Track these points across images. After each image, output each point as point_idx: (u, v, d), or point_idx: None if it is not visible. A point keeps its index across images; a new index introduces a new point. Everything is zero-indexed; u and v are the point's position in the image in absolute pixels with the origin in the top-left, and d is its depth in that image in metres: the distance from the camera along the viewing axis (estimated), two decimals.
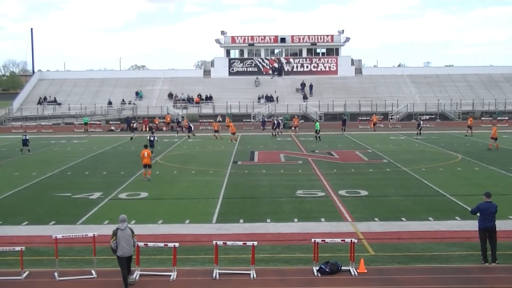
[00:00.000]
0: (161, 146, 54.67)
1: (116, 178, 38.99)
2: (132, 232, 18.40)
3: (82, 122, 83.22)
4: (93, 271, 19.63)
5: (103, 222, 26.94)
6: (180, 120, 79.41)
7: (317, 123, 65.07)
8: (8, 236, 24.71)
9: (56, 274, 19.36)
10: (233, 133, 64.43)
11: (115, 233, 18.27)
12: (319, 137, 63.04)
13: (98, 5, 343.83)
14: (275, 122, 71.28)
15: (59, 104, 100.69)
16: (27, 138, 53.72)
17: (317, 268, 19.45)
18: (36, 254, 21.98)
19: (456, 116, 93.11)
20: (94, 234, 20.14)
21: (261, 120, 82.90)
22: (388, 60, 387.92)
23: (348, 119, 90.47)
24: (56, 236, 19.93)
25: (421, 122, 69.99)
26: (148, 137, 50.46)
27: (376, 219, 26.95)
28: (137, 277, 18.79)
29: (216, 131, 66.95)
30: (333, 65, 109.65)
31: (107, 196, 33.07)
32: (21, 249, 19.48)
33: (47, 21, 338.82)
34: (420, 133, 66.53)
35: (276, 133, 70.27)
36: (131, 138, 65.41)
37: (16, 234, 25.09)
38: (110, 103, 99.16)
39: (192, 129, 69.90)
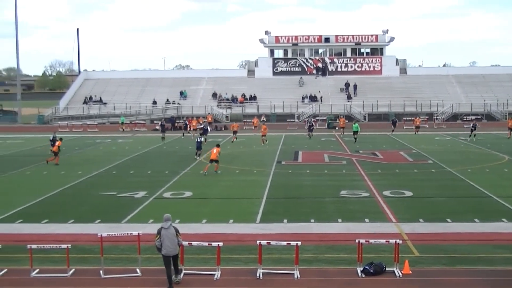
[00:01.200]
0: (204, 145, 54.76)
1: (161, 177, 39.23)
2: (177, 231, 18.47)
3: (119, 122, 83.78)
4: (137, 270, 19.77)
5: (147, 221, 27.13)
6: (186, 122, 76.27)
7: (356, 124, 63.33)
8: (55, 234, 25.00)
9: (101, 272, 19.55)
10: (264, 135, 61.60)
11: (159, 232, 18.40)
12: (355, 138, 61.61)
13: (142, 5, 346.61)
14: (309, 123, 69.59)
15: (105, 103, 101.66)
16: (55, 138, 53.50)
17: (361, 269, 19.37)
18: (82, 252, 22.21)
19: (502, 117, 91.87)
20: (138, 233, 20.27)
21: (307, 122, 75.34)
22: (433, 60, 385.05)
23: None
24: (101, 235, 20.12)
25: (476, 124, 66.47)
26: (197, 139, 50.28)
27: (420, 220, 26.73)
28: (179, 276, 18.86)
29: (263, 134, 67.42)
30: (377, 65, 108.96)
31: (151, 195, 33.29)
32: (67, 246, 19.70)
33: (92, 21, 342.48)
34: (474, 135, 63.45)
35: (311, 135, 67.20)
36: (162, 138, 64.61)
37: (62, 232, 25.38)
38: (154, 102, 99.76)
39: (208, 131, 66.10)
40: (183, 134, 68.28)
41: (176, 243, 18.37)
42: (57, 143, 47.38)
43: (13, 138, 72.41)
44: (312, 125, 69.59)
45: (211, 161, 41.10)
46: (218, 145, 42.38)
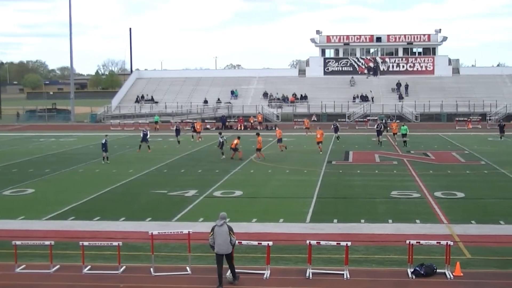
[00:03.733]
0: (255, 145, 54.81)
1: (211, 176, 39.38)
2: (230, 229, 18.52)
3: (153, 121, 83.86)
4: (187, 268, 19.88)
5: (197, 219, 27.27)
6: (193, 124, 70.08)
7: (405, 126, 59.08)
8: (106, 231, 25.30)
9: (151, 269, 19.72)
10: (280, 139, 54.71)
11: (212, 229, 18.53)
12: (405, 141, 57.49)
13: (194, 4, 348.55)
14: (378, 126, 61.90)
15: (156, 102, 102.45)
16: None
17: (412, 270, 19.22)
18: (133, 250, 22.41)
19: None
20: (189, 231, 20.39)
21: (376, 127, 62.65)
22: (487, 60, 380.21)
23: (445, 119, 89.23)
24: (152, 232, 20.29)
25: None
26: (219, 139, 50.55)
27: (472, 221, 26.43)
28: (230, 275, 18.89)
29: (307, 128, 67.49)
30: (429, 65, 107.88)
31: (202, 193, 33.45)
32: (118, 244, 19.92)
33: (145, 21, 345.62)
34: None
35: (380, 141, 59.16)
36: (179, 142, 61.13)
37: (114, 230, 25.67)
38: (205, 102, 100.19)
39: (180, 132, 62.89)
40: (192, 136, 65.81)
41: (229, 242, 18.39)
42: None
43: (66, 136, 73.36)
44: (381, 128, 61.02)
45: (232, 149, 46.94)
46: (238, 138, 48.51)
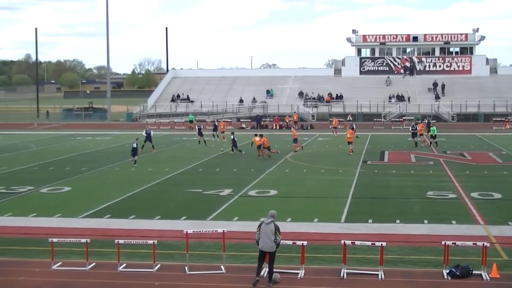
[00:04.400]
0: (290, 144, 54.78)
1: (246, 176, 39.43)
2: (277, 228, 18.54)
3: (187, 120, 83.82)
4: (222, 267, 19.92)
5: (232, 218, 27.32)
6: (215, 124, 67.97)
7: (434, 127, 57.71)
8: (141, 230, 25.45)
9: (186, 268, 19.79)
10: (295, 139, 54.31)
11: (259, 226, 18.69)
12: (436, 142, 56.51)
13: (230, 3, 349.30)
14: (412, 127, 60.18)
15: (192, 101, 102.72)
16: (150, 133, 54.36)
17: (447, 271, 19.08)
18: (168, 248, 22.52)
19: None
20: (223, 230, 20.42)
21: (410, 129, 61.44)
22: None
23: (482, 119, 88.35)
24: (187, 231, 20.36)
25: None
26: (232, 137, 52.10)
27: (510, 223, 26.15)
28: (264, 274, 18.89)
29: (335, 128, 67.42)
30: (466, 65, 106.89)
31: (237, 193, 33.50)
32: (153, 242, 20.02)
33: (181, 20, 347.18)
34: None
35: (416, 142, 57.76)
36: (199, 142, 60.19)
37: (149, 228, 25.81)
38: (241, 101, 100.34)
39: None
40: (213, 135, 64.67)
41: (273, 240, 18.43)
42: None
43: (102, 135, 73.98)
44: (416, 129, 58.83)
45: (259, 147, 46.79)
46: (261, 135, 48.43)
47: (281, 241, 18.81)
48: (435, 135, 56.59)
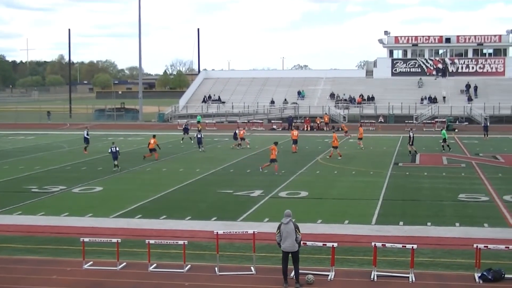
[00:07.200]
0: (321, 146, 54.68)
1: (277, 177, 39.38)
2: (296, 227, 18.58)
3: (196, 121, 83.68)
4: (252, 268, 19.95)
5: (263, 219, 27.34)
6: (236, 131, 60.99)
7: (444, 131, 56.15)
8: (172, 230, 25.57)
9: (216, 269, 19.84)
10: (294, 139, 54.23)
11: (278, 227, 18.68)
12: (448, 145, 54.14)
13: (262, 5, 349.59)
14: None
15: (223, 102, 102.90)
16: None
17: (479, 274, 18.94)
18: (198, 249, 22.59)
19: None
20: (254, 231, 20.46)
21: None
22: None
23: None
24: (217, 232, 20.42)
25: None
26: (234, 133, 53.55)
27: None
28: (293, 276, 18.87)
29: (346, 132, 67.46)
30: (500, 66, 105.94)
31: (267, 194, 33.52)
32: (184, 243, 20.10)
33: (213, 21, 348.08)
34: None
35: (448, 145, 54.76)
36: (182, 139, 63.69)
37: (180, 228, 25.93)
38: (272, 102, 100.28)
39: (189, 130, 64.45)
40: (238, 145, 58.90)
41: (295, 239, 18.45)
42: (152, 141, 48.14)
43: (134, 135, 74.37)
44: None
45: (271, 161, 41.01)
46: (276, 143, 42.35)
47: (312, 243, 18.76)
48: (446, 138, 54.63)
